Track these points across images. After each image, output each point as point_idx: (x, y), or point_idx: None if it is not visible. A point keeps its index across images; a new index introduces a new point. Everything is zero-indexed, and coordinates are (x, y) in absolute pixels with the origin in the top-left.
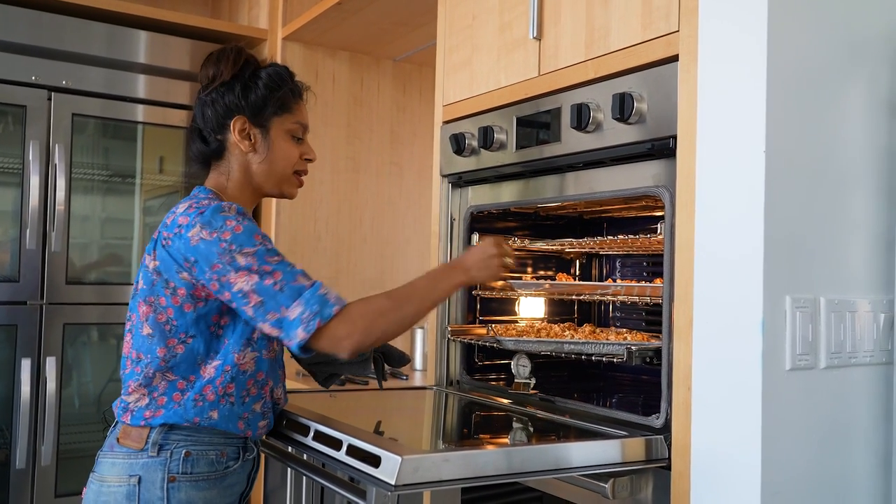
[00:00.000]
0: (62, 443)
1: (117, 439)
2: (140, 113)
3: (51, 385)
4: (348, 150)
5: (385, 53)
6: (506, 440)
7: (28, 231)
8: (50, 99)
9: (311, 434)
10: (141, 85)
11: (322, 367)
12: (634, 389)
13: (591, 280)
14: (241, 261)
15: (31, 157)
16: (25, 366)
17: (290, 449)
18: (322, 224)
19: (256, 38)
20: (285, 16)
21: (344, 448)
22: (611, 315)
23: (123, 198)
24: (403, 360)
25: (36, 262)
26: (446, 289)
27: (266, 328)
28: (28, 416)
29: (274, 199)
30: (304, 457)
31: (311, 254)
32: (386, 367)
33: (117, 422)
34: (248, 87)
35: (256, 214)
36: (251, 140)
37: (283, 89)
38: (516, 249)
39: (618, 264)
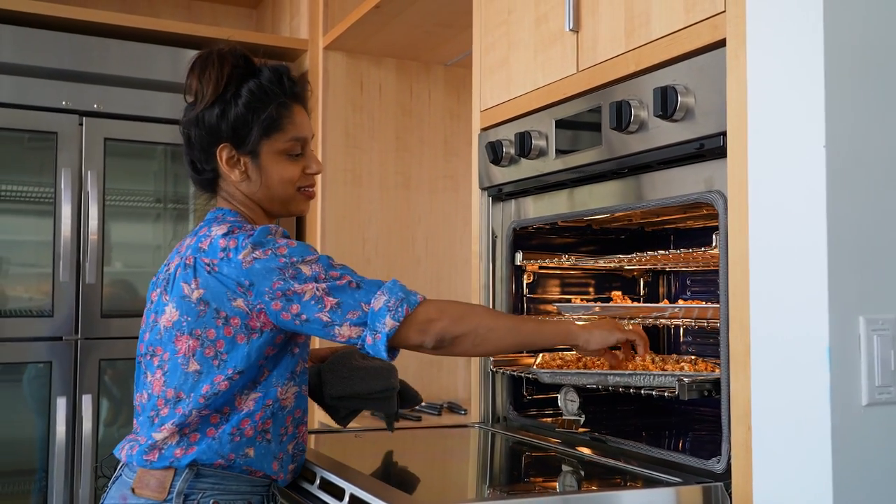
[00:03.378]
0: (100, 486)
1: (132, 489)
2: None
3: (87, 424)
4: (398, 164)
5: (435, 58)
6: (538, 488)
7: (61, 263)
8: (81, 124)
9: (318, 481)
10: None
11: (345, 402)
12: (709, 427)
13: (658, 301)
14: (307, 270)
15: (62, 186)
16: (61, 404)
17: None
18: (371, 245)
19: (298, 50)
20: (326, 24)
21: (346, 498)
22: (682, 340)
23: (177, 224)
24: (416, 399)
25: (70, 296)
26: (550, 331)
27: (345, 330)
28: (64, 457)
29: (318, 221)
30: None
31: None
32: (399, 409)
33: (124, 468)
34: (227, 110)
35: (300, 237)
36: (242, 168)
37: (269, 107)
38: (566, 268)
39: (688, 282)
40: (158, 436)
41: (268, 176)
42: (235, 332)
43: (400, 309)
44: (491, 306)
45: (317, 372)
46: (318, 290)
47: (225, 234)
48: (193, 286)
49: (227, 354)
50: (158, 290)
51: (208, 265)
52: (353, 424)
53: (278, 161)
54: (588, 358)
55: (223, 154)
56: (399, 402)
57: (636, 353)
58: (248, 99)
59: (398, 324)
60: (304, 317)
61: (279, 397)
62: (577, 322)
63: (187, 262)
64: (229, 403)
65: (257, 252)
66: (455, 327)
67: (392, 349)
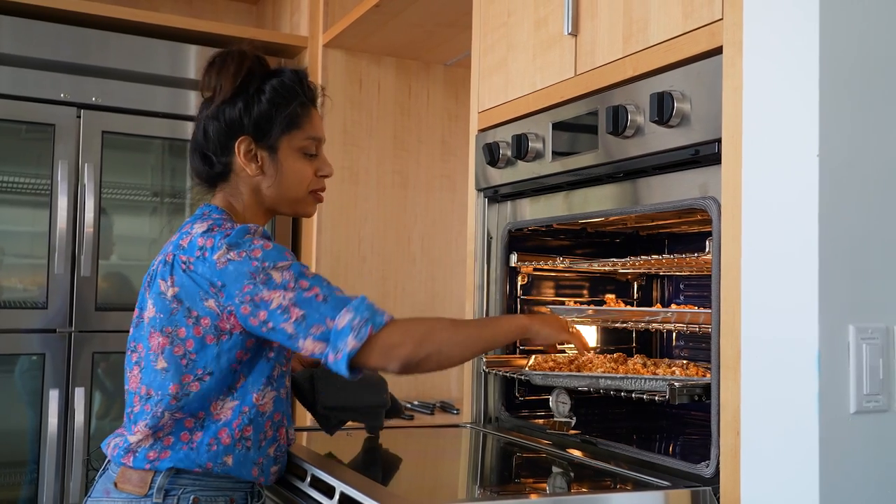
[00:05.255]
0: (91, 479)
1: (114, 483)
2: (189, 129)
3: (79, 417)
4: (395, 163)
5: (434, 58)
6: (528, 489)
7: (56, 255)
8: (79, 116)
9: (308, 479)
10: (184, 100)
11: (337, 413)
12: (699, 431)
13: (651, 305)
14: (277, 277)
15: (59, 178)
16: (53, 397)
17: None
18: (367, 244)
19: (297, 46)
20: (326, 22)
21: (336, 496)
22: (674, 345)
23: (173, 218)
24: (400, 412)
25: (65, 288)
26: (507, 329)
27: (308, 344)
28: (56, 451)
29: (314, 218)
30: None
31: (355, 276)
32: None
33: (109, 463)
34: (250, 104)
35: (296, 234)
36: (258, 162)
37: (292, 104)
38: (560, 271)
39: (681, 287)
40: (133, 438)
41: (283, 172)
42: (205, 333)
43: (363, 329)
44: (485, 307)
45: (309, 377)
46: (285, 298)
47: (204, 233)
48: (169, 283)
49: (196, 354)
50: (144, 287)
51: (184, 263)
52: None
53: (295, 158)
54: (580, 360)
55: (241, 147)
56: (384, 414)
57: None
58: (272, 95)
59: (360, 344)
60: (270, 325)
61: (256, 403)
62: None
63: (167, 258)
64: (204, 409)
65: (232, 253)
66: (419, 351)
67: (354, 368)
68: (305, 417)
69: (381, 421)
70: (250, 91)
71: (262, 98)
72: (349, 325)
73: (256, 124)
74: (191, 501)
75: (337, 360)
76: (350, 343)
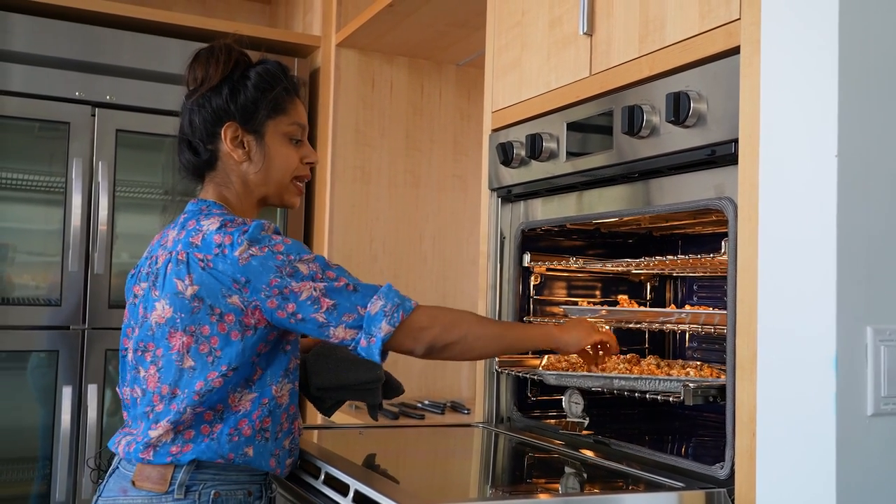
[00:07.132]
0: (97, 479)
1: (132, 482)
2: None
3: (91, 414)
4: (407, 162)
5: (447, 58)
6: (541, 489)
7: (70, 253)
8: (94, 115)
9: (322, 476)
10: None
11: (331, 393)
12: (713, 432)
13: (664, 306)
14: (303, 269)
15: (73, 176)
16: (66, 393)
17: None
18: (378, 243)
19: (310, 46)
20: (339, 21)
21: (351, 494)
22: (687, 346)
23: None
24: (399, 390)
25: (78, 285)
26: (533, 335)
27: (339, 332)
28: (69, 447)
29: (326, 217)
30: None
31: (366, 275)
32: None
33: (121, 461)
34: (236, 90)
35: (307, 234)
36: (245, 147)
37: (277, 88)
38: (573, 271)
39: (695, 288)
40: (154, 433)
41: (270, 158)
42: (230, 329)
43: (396, 314)
44: (497, 307)
45: (300, 363)
46: (315, 290)
47: (219, 229)
48: (187, 282)
49: (221, 351)
50: (146, 285)
51: (202, 261)
52: (352, 420)
53: (281, 143)
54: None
55: (228, 132)
56: (382, 392)
57: (608, 352)
58: (257, 80)
59: (394, 329)
60: (299, 316)
61: (275, 395)
62: (556, 324)
63: (179, 257)
64: (223, 401)
65: (253, 249)
66: (445, 336)
67: (384, 353)
68: (316, 416)
69: (379, 398)
70: (235, 77)
71: (248, 84)
72: (381, 311)
73: (243, 109)
74: (212, 496)
75: (370, 345)
76: (384, 328)
